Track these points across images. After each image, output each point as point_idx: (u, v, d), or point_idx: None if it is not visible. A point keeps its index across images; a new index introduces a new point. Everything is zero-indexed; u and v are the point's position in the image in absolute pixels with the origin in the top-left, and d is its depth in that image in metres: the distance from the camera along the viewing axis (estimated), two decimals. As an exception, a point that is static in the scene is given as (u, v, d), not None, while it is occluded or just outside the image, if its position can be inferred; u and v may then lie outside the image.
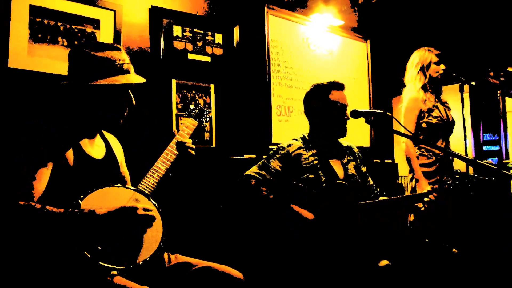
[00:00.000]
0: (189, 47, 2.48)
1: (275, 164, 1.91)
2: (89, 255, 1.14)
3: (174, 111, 2.38)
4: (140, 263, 1.23)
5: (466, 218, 2.63)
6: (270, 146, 2.77)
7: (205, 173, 2.37)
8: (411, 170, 2.54)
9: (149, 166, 1.45)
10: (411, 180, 2.55)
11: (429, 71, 2.62)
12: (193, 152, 1.51)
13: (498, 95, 4.55)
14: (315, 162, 1.92)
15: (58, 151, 1.25)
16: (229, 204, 2.37)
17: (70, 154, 1.28)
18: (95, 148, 1.41)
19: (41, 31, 1.96)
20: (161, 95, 2.34)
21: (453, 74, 2.60)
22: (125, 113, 1.40)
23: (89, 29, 2.10)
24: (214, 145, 2.51)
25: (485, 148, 4.45)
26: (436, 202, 1.91)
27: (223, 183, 2.40)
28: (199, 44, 2.52)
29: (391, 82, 3.64)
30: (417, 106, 2.57)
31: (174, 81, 2.40)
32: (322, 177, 1.88)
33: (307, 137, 2.03)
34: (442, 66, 2.63)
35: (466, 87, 2.69)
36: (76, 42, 2.04)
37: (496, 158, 4.57)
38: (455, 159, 2.63)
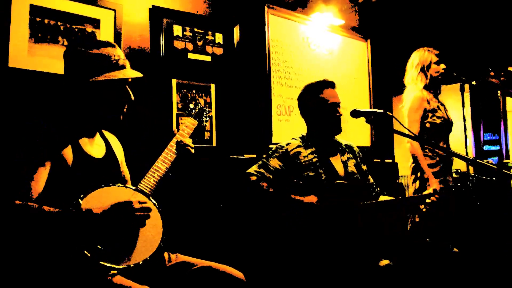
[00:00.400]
0: (190, 46, 2.48)
1: (274, 163, 1.92)
2: (89, 255, 1.14)
3: (175, 111, 2.38)
4: (141, 262, 1.23)
5: (467, 218, 2.63)
6: (271, 146, 2.77)
7: (206, 172, 2.37)
8: (417, 170, 2.50)
9: (149, 165, 1.45)
10: (414, 182, 2.53)
11: (429, 72, 2.61)
12: (192, 151, 1.51)
13: (499, 94, 4.55)
14: (315, 160, 1.93)
15: (57, 150, 1.25)
16: (230, 202, 2.37)
17: (69, 154, 1.28)
18: (95, 147, 1.41)
19: (42, 31, 1.96)
20: (161, 94, 2.33)
21: (454, 73, 2.60)
22: (125, 109, 1.40)
23: (89, 28, 2.10)
24: (214, 144, 2.51)
25: (485, 147, 4.45)
26: (437, 203, 1.91)
27: (224, 182, 2.40)
28: (200, 43, 2.52)
29: (391, 82, 3.64)
30: (421, 105, 2.55)
31: (174, 81, 2.40)
32: (323, 175, 1.89)
33: (305, 136, 2.04)
34: (442, 66, 2.63)
35: (466, 86, 2.68)
36: (70, 43, 2.03)
37: (497, 157, 4.56)
38: (454, 159, 2.63)
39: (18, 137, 1.26)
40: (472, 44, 4.07)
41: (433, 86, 2.64)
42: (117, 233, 1.21)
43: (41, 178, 1.20)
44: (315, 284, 1.69)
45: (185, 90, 2.44)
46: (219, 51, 2.60)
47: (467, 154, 2.68)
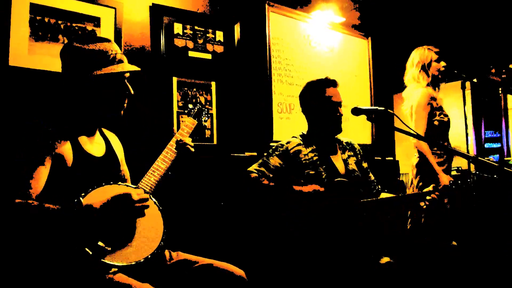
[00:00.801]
0: (190, 44, 2.48)
1: (275, 161, 1.92)
2: (91, 252, 1.14)
3: (175, 109, 2.38)
4: (142, 260, 1.23)
5: (467, 215, 2.63)
6: (271, 144, 2.77)
7: (206, 170, 2.37)
8: (422, 165, 2.47)
9: (150, 164, 1.45)
10: (416, 176, 2.51)
11: (430, 70, 2.60)
12: (192, 150, 1.51)
13: (500, 92, 4.53)
14: (315, 158, 1.92)
15: (56, 149, 1.25)
16: (231, 200, 2.37)
17: (69, 152, 1.28)
18: (94, 145, 1.40)
19: (42, 29, 1.96)
20: (161, 93, 2.33)
21: (455, 71, 2.59)
22: (125, 105, 1.40)
23: (89, 27, 2.10)
24: (215, 142, 2.51)
25: (486, 145, 4.44)
26: (438, 201, 1.91)
27: (224, 180, 2.40)
28: (200, 41, 2.52)
29: (392, 79, 3.63)
30: (429, 102, 2.52)
31: (175, 79, 2.40)
32: (323, 173, 1.89)
33: (306, 134, 2.04)
34: (443, 63, 2.61)
35: (467, 84, 2.67)
36: (66, 41, 2.03)
37: (498, 155, 4.55)
38: (455, 156, 2.63)
39: (18, 136, 1.26)
40: (473, 41, 4.05)
41: (434, 84, 2.63)
42: (118, 228, 1.21)
43: (41, 177, 1.20)
44: (315, 281, 1.69)
45: (185, 88, 2.43)
46: (219, 49, 2.60)
47: (468, 151, 2.67)
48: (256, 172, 1.89)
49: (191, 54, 2.48)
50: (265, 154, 2.01)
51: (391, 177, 3.56)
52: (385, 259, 1.72)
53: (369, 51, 3.63)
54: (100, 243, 1.15)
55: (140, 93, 1.45)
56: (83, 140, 1.36)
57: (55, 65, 1.95)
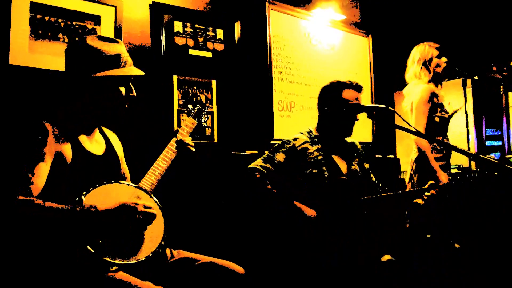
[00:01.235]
0: (190, 42, 2.48)
1: (281, 157, 1.90)
2: (92, 250, 1.14)
3: (176, 107, 2.38)
4: (143, 259, 1.23)
5: (468, 212, 2.63)
6: (272, 142, 2.77)
7: (207, 169, 2.37)
8: (421, 161, 2.47)
9: (151, 163, 1.45)
10: (415, 173, 2.52)
11: (431, 66, 2.59)
12: (193, 149, 1.52)
13: (501, 90, 4.52)
14: (320, 157, 1.91)
15: (57, 147, 1.25)
16: (232, 198, 2.37)
17: (68, 151, 1.28)
18: (94, 144, 1.41)
19: (42, 28, 1.96)
20: (162, 91, 2.33)
21: (456, 68, 2.58)
22: (126, 105, 1.40)
23: (89, 25, 2.09)
24: (215, 140, 2.51)
25: (487, 143, 4.44)
26: (437, 197, 1.90)
27: (225, 178, 2.40)
28: (200, 39, 2.51)
29: (393, 77, 3.62)
30: (431, 98, 2.50)
31: (175, 77, 2.40)
32: (326, 173, 1.88)
33: (314, 131, 2.03)
34: (444, 59, 2.60)
35: (468, 81, 2.66)
36: (77, 39, 2.03)
37: (499, 153, 4.55)
38: (455, 153, 2.62)
39: (19, 134, 1.26)
40: (474, 38, 4.04)
41: (436, 81, 2.62)
42: (119, 231, 1.22)
43: (42, 175, 1.20)
44: (316, 279, 1.69)
45: (186, 87, 2.43)
46: (220, 47, 2.60)
47: (469, 149, 2.67)
48: (261, 169, 1.87)
49: (192, 52, 2.47)
50: (267, 151, 2.00)
51: (392, 175, 3.55)
52: (386, 257, 1.72)
53: (369, 49, 3.62)
54: (101, 242, 1.15)
55: (140, 92, 1.45)
56: (83, 138, 1.36)
57: (56, 63, 1.95)
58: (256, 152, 2.60)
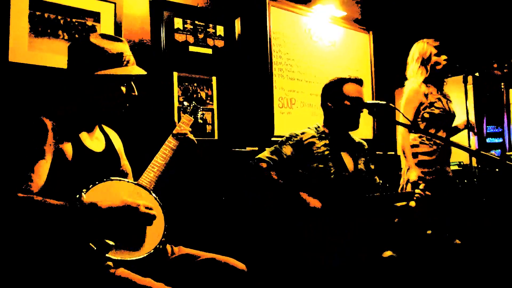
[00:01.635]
0: (190, 39, 2.47)
1: (287, 150, 1.90)
2: (95, 247, 1.14)
3: (176, 104, 2.37)
4: (144, 255, 1.24)
5: (469, 209, 2.63)
6: (272, 139, 2.77)
7: (208, 165, 2.37)
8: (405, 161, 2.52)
9: (151, 159, 1.45)
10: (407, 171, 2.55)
11: (430, 64, 2.59)
12: (193, 138, 1.55)
13: (502, 87, 4.51)
14: (326, 152, 1.91)
15: (57, 144, 1.25)
16: (232, 194, 2.37)
17: (69, 148, 1.28)
18: (94, 141, 1.41)
19: (41, 25, 1.95)
20: (162, 88, 2.33)
21: (457, 65, 2.58)
22: (127, 104, 1.40)
23: (89, 22, 2.09)
24: (216, 137, 2.51)
25: (488, 140, 4.43)
26: (426, 198, 1.88)
27: (226, 175, 2.40)
28: (200, 36, 2.51)
29: (394, 74, 3.61)
30: (417, 98, 2.53)
31: (175, 74, 2.39)
32: (332, 168, 1.88)
33: (321, 127, 2.03)
34: (444, 57, 2.59)
35: (469, 78, 2.66)
36: (76, 36, 2.03)
37: (499, 150, 4.54)
38: (457, 151, 2.62)
39: (19, 131, 1.26)
40: (475, 35, 4.03)
41: (435, 79, 2.61)
42: (120, 229, 1.22)
43: (42, 172, 1.20)
44: (317, 276, 1.69)
45: (186, 83, 2.43)
46: (220, 43, 2.59)
47: (470, 146, 2.66)
48: (268, 160, 1.86)
49: (192, 49, 2.47)
50: (278, 142, 1.99)
51: (393, 172, 3.55)
52: (387, 253, 1.72)
53: (370, 45, 3.61)
54: (103, 239, 1.15)
55: (140, 89, 1.45)
56: (83, 135, 1.36)
57: (56, 61, 1.94)
58: (256, 149, 2.60)
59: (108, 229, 1.19)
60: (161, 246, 1.30)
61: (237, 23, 2.67)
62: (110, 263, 1.17)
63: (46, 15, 1.97)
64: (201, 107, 1.71)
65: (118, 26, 2.17)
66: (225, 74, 2.58)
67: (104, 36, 1.36)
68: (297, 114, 2.99)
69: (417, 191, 1.82)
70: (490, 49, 4.14)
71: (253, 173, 1.85)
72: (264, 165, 1.85)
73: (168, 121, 2.33)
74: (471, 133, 2.62)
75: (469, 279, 2.12)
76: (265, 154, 1.90)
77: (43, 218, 1.13)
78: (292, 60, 3.02)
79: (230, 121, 2.58)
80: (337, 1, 3.25)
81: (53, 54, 1.95)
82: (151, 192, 1.38)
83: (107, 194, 1.24)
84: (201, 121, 1.71)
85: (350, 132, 2.07)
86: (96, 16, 2.11)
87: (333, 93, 1.97)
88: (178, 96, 2.39)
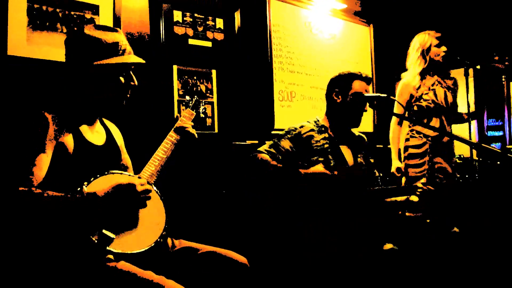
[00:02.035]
0: (190, 32, 2.45)
1: (286, 144, 1.90)
2: (96, 241, 1.14)
3: (176, 97, 2.36)
4: (145, 248, 1.24)
5: (469, 203, 2.63)
6: (273, 132, 2.77)
7: (208, 159, 2.37)
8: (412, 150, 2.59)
9: (152, 153, 1.45)
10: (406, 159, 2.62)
11: (429, 55, 2.60)
12: (194, 132, 1.54)
13: (503, 80, 4.49)
14: (326, 145, 1.91)
15: (57, 138, 1.25)
16: (233, 187, 2.37)
17: (70, 141, 1.27)
18: (95, 134, 1.40)
19: (40, 18, 1.94)
20: (162, 81, 2.32)
21: (458, 58, 2.57)
22: (128, 95, 1.39)
23: (88, 15, 2.07)
24: (216, 131, 2.51)
25: (489, 133, 4.43)
26: (428, 192, 1.88)
27: (226, 168, 2.40)
28: (200, 29, 2.49)
29: (394, 67, 3.60)
30: (407, 91, 2.60)
31: (175, 67, 2.38)
32: (332, 161, 1.88)
33: (321, 121, 2.02)
34: (444, 48, 2.59)
35: (470, 71, 2.65)
36: (75, 29, 2.01)
37: (500, 143, 4.54)
38: (459, 144, 2.61)
39: (19, 125, 1.26)
40: (476, 28, 4.01)
41: (435, 69, 2.61)
42: (121, 217, 1.22)
43: (43, 165, 1.20)
44: (318, 268, 1.70)
45: (186, 77, 2.42)
46: (220, 36, 2.57)
47: (470, 139, 2.66)
48: (266, 152, 1.86)
49: (191, 42, 2.45)
50: (277, 136, 1.99)
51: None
52: (388, 246, 1.73)
53: (371, 38, 3.59)
54: (104, 231, 1.15)
55: (140, 82, 1.45)
56: (84, 129, 1.35)
57: (54, 54, 1.93)
58: (257, 142, 2.59)
59: (108, 217, 1.19)
60: (162, 239, 1.30)
61: (237, 15, 2.65)
62: (111, 256, 1.17)
63: (44, 8, 1.95)
64: (203, 100, 1.71)
65: (117, 19, 2.15)
66: (225, 67, 2.57)
67: (98, 27, 1.34)
68: (297, 107, 2.98)
69: (419, 185, 1.82)
70: (492, 42, 4.12)
71: (252, 164, 1.85)
72: (263, 155, 1.85)
73: (168, 114, 2.32)
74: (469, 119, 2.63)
75: (468, 268, 2.12)
76: (264, 147, 1.91)
77: (44, 211, 1.13)
78: (292, 53, 3.01)
79: (230, 114, 2.57)
80: (338, -7, 3.22)
81: (52, 47, 1.94)
82: (152, 185, 1.38)
83: (108, 187, 1.24)
84: (203, 115, 1.70)
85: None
86: (94, 8, 2.09)
87: (341, 87, 1.96)
88: (178, 90, 2.38)
